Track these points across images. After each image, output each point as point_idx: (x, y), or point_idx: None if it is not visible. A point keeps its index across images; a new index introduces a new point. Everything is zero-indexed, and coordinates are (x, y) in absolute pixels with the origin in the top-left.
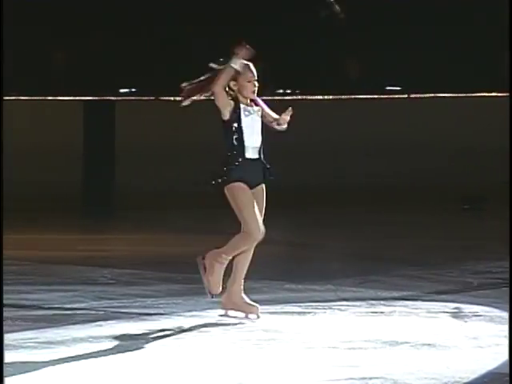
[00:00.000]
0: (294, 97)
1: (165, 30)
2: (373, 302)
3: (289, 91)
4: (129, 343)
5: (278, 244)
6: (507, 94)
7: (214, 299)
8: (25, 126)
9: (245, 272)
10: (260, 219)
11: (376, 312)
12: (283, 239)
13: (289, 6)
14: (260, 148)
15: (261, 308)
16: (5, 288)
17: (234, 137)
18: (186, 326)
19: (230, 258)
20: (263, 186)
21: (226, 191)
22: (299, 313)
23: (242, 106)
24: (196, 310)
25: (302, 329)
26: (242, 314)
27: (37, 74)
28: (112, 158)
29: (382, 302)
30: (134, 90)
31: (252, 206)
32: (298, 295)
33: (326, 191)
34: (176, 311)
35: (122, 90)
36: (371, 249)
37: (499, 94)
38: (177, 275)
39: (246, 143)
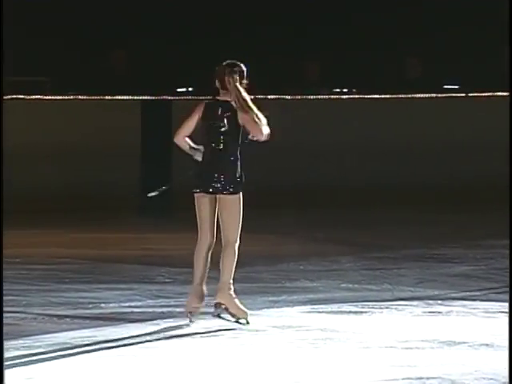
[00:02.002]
0: (351, 96)
1: (220, 31)
2: (430, 301)
3: (345, 90)
4: (185, 342)
5: (332, 243)
6: None
7: (270, 299)
8: (83, 126)
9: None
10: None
11: (433, 312)
12: (336, 238)
13: (347, 4)
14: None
15: (317, 307)
16: (63, 286)
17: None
18: (243, 325)
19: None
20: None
21: (233, 199)
22: (356, 312)
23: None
24: (252, 310)
25: (359, 328)
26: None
27: (95, 73)
28: (169, 157)
29: (439, 302)
30: (190, 89)
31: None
32: (354, 294)
33: (386, 190)
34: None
35: (178, 90)
36: (426, 248)
37: None
38: (235, 274)
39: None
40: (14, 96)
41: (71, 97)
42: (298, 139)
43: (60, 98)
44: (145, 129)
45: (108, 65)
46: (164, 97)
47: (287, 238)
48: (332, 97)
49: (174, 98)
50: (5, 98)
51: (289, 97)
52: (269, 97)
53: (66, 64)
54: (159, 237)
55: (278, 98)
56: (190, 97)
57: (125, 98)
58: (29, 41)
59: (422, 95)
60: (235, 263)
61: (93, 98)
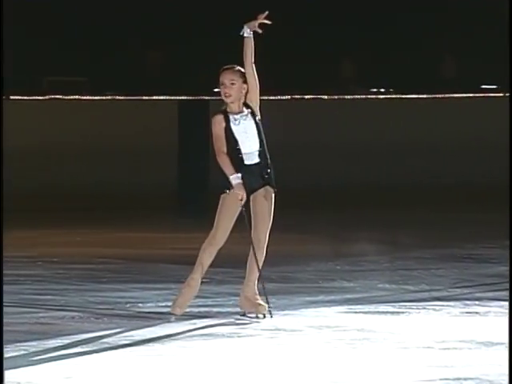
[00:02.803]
0: (389, 96)
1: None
2: (467, 302)
3: (382, 90)
4: (222, 341)
5: (369, 243)
6: None
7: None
8: (120, 126)
9: (253, 276)
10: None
11: (470, 312)
12: (373, 238)
13: (384, 6)
14: (260, 152)
15: (354, 307)
16: (100, 286)
17: (232, 147)
18: (280, 325)
19: (199, 276)
20: (267, 190)
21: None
22: (393, 313)
23: (229, 116)
24: (289, 309)
25: (396, 329)
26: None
27: (132, 73)
28: (207, 157)
29: (476, 302)
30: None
31: (228, 214)
32: (391, 295)
33: (421, 190)
34: (270, 310)
35: (216, 89)
36: (463, 248)
37: None
38: (271, 273)
39: (243, 150)
40: (52, 96)
41: (109, 97)
42: (335, 139)
43: (98, 98)
44: (182, 129)
45: (145, 65)
46: (201, 97)
47: (323, 237)
48: (369, 96)
49: (212, 97)
50: (43, 98)
51: (326, 97)
52: (306, 97)
53: (103, 64)
54: (196, 236)
55: (315, 98)
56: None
57: (162, 98)
58: (67, 41)
59: (458, 95)
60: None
61: (130, 98)
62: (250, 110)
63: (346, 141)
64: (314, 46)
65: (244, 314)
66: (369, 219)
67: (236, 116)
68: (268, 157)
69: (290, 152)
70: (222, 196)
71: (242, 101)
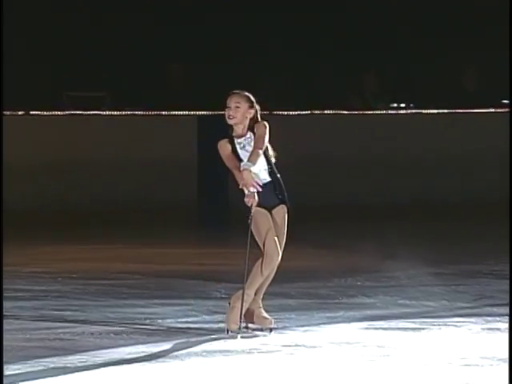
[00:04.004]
0: (409, 110)
1: (278, 43)
2: (488, 318)
3: (403, 105)
4: (243, 358)
5: (389, 259)
6: None
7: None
8: (138, 141)
9: (264, 288)
10: (276, 240)
11: (492, 328)
12: (394, 253)
13: (406, 19)
14: (270, 171)
15: (375, 323)
16: (120, 302)
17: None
18: (300, 342)
19: (254, 291)
20: (283, 208)
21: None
22: (414, 329)
23: (235, 140)
24: (309, 325)
25: (417, 345)
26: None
27: (151, 87)
28: (226, 173)
29: (497, 319)
30: None
31: (269, 228)
32: (412, 311)
33: (441, 205)
34: (289, 326)
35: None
36: (484, 264)
37: None
38: (291, 289)
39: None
40: (73, 112)
41: (128, 112)
42: (356, 154)
43: (117, 113)
44: (201, 144)
45: (164, 79)
46: (221, 112)
47: (343, 252)
48: (390, 112)
49: None
50: (62, 113)
51: (346, 112)
52: (325, 112)
53: (122, 78)
54: (216, 252)
55: (335, 114)
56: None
57: (181, 113)
58: (86, 56)
59: (480, 110)
60: (261, 276)
61: (149, 113)
62: (253, 134)
63: (368, 156)
64: (332, 59)
65: (246, 327)
66: (389, 234)
67: (240, 140)
68: (278, 176)
69: (310, 167)
70: (250, 218)
71: (247, 126)
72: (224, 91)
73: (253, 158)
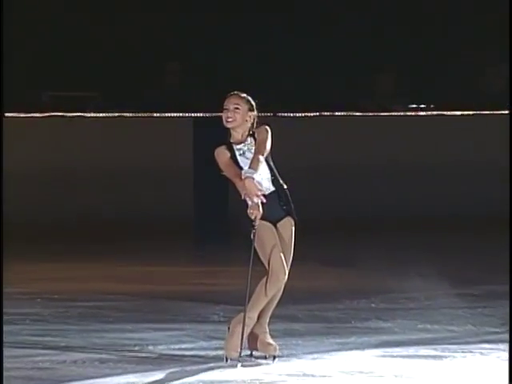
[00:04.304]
0: (429, 112)
1: (282, 42)
2: None
3: (423, 106)
4: None
5: (407, 278)
6: None
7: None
8: (127, 146)
9: (270, 311)
10: (282, 256)
11: None
12: (413, 272)
13: (429, 17)
14: (273, 180)
15: (391, 350)
16: (106, 326)
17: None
18: (308, 371)
19: (257, 314)
20: (289, 221)
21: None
22: (435, 357)
23: (234, 146)
24: (318, 353)
25: (438, 375)
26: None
27: (142, 87)
28: (225, 181)
29: None
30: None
31: (275, 243)
32: (433, 336)
33: (465, 216)
34: (295, 353)
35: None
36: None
37: None
38: (297, 312)
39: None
40: (54, 113)
41: (116, 114)
42: (370, 161)
43: (103, 115)
44: (198, 149)
45: (157, 77)
46: (220, 113)
47: (353, 270)
48: (408, 113)
49: None
50: (42, 115)
51: (358, 113)
52: (336, 113)
53: (110, 77)
54: (214, 270)
55: (347, 116)
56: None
57: (175, 114)
58: (72, 52)
59: (504, 112)
60: (264, 298)
61: (140, 115)
62: (254, 139)
63: (383, 163)
64: (346, 58)
65: (251, 355)
66: (407, 250)
67: (239, 146)
68: (283, 184)
69: (318, 176)
70: (253, 232)
71: (247, 131)
72: (223, 91)
73: (254, 165)
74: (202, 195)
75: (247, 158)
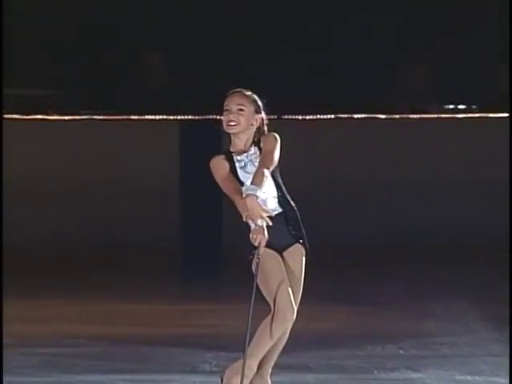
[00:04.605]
0: (470, 114)
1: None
2: None
3: (462, 107)
4: None
5: (442, 319)
6: None
7: None
8: (98, 155)
9: (274, 358)
10: (290, 293)
11: None
12: (449, 310)
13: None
14: (280, 198)
15: None
16: (71, 378)
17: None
18: None
19: (257, 362)
20: (298, 248)
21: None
22: None
23: (234, 157)
24: None
25: None
26: None
27: (118, 84)
28: (218, 195)
29: None
30: None
31: (282, 276)
32: None
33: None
34: None
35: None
36: None
37: None
38: (309, 360)
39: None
40: (9, 116)
41: (85, 116)
42: (395, 173)
43: (69, 118)
44: (185, 160)
45: (136, 72)
46: (212, 116)
47: (377, 309)
48: (443, 115)
49: None
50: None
51: (383, 116)
52: (355, 116)
53: (77, 72)
54: (206, 308)
55: (369, 118)
56: None
57: (158, 117)
58: (28, 41)
59: None
60: (268, 341)
61: (114, 117)
62: (259, 149)
63: (412, 176)
64: (368, 51)
65: None
66: (444, 283)
67: (241, 156)
68: (292, 204)
69: (333, 193)
70: (255, 261)
71: (251, 138)
72: (215, 89)
73: (258, 180)
74: (191, 215)
75: (248, 172)
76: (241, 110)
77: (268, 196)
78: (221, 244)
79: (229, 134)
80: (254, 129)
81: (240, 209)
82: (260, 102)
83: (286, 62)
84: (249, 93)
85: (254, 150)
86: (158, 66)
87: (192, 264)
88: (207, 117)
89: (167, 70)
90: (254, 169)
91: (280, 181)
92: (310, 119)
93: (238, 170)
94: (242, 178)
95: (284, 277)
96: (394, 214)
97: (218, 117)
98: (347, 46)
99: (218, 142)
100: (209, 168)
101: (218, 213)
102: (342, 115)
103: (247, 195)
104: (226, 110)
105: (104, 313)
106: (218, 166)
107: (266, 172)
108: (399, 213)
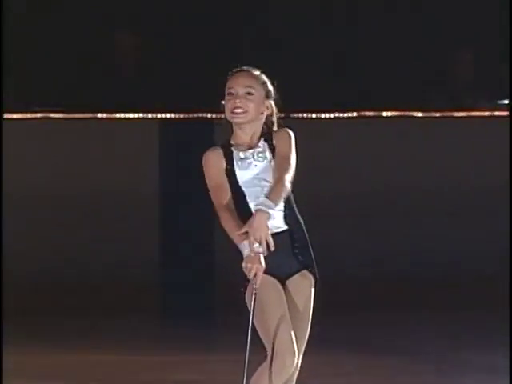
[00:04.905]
0: None
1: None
2: None
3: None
4: None
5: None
6: None
7: None
8: (56, 162)
9: None
10: (292, 333)
11: None
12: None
13: None
14: (286, 213)
15: None
16: None
17: (237, 205)
18: None
19: None
20: (304, 277)
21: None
22: None
23: (234, 152)
24: None
25: None
26: None
27: (79, 72)
28: (208, 213)
29: None
30: None
31: (282, 312)
32: None
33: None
34: None
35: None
36: None
37: None
38: None
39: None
40: None
41: (38, 115)
42: (433, 183)
43: (18, 116)
44: (166, 167)
45: (104, 60)
46: (200, 114)
47: (398, 358)
48: (496, 113)
49: (217, 115)
50: None
51: (438, 114)
52: (384, 114)
53: (27, 60)
54: (189, 359)
55: (424, 117)
56: None
57: (132, 115)
58: None
59: None
60: None
61: (75, 116)
62: (268, 145)
63: (464, 184)
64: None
65: None
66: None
67: (245, 153)
68: (301, 222)
69: (351, 207)
70: (251, 295)
71: (259, 130)
72: (204, 81)
73: (276, 196)
74: (173, 237)
75: (250, 173)
76: (249, 93)
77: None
78: (211, 277)
79: (230, 125)
80: (264, 118)
81: (227, 229)
82: (270, 85)
83: (294, 49)
84: (257, 72)
85: (262, 145)
86: (132, 51)
87: (173, 303)
88: (195, 115)
89: (143, 56)
90: (256, 169)
91: (291, 194)
92: (325, 118)
93: (237, 169)
94: (239, 179)
95: (285, 312)
96: (432, 235)
97: (210, 115)
98: (372, 31)
99: (209, 145)
100: (198, 179)
101: (206, 233)
102: (368, 113)
103: (259, 210)
104: (230, 93)
105: (58, 363)
106: (212, 163)
107: (288, 186)
108: (439, 235)
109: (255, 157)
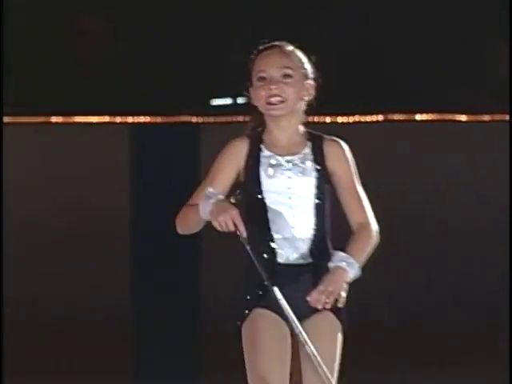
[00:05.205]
0: None
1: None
2: None
3: None
4: None
5: None
6: None
7: None
8: (21, 172)
9: None
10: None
11: None
12: None
13: None
14: (314, 241)
15: None
16: None
17: (256, 223)
18: None
19: None
20: (328, 321)
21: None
22: None
23: (264, 151)
24: None
25: None
26: None
27: (37, 67)
28: (194, 243)
29: None
30: (230, 102)
31: (278, 352)
32: None
33: None
34: None
35: (214, 103)
36: None
37: None
38: None
39: (277, 234)
40: None
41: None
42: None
43: None
44: (138, 180)
45: (67, 48)
46: (182, 117)
47: None
48: None
49: (204, 119)
50: None
51: (464, 117)
52: (417, 117)
53: None
54: None
55: (448, 120)
56: (230, 116)
57: (100, 119)
58: None
59: None
60: None
61: (39, 120)
62: (313, 154)
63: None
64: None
65: None
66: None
67: (279, 158)
68: (330, 251)
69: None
70: (244, 325)
71: (297, 123)
72: (187, 79)
73: (359, 254)
74: (145, 262)
75: (278, 180)
76: (287, 75)
77: (299, 237)
78: (196, 316)
79: (258, 117)
80: (304, 106)
81: (181, 212)
82: (308, 63)
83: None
84: (291, 47)
85: (308, 150)
86: (99, 40)
87: (148, 353)
88: (174, 119)
89: (114, 47)
90: (291, 182)
91: (327, 212)
92: (346, 123)
93: (263, 175)
94: (264, 188)
95: (284, 356)
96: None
97: (194, 119)
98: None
99: (194, 155)
100: (182, 185)
101: (191, 254)
102: (396, 117)
103: (339, 268)
104: (262, 78)
105: None
106: (228, 154)
107: (373, 242)
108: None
109: (292, 167)
